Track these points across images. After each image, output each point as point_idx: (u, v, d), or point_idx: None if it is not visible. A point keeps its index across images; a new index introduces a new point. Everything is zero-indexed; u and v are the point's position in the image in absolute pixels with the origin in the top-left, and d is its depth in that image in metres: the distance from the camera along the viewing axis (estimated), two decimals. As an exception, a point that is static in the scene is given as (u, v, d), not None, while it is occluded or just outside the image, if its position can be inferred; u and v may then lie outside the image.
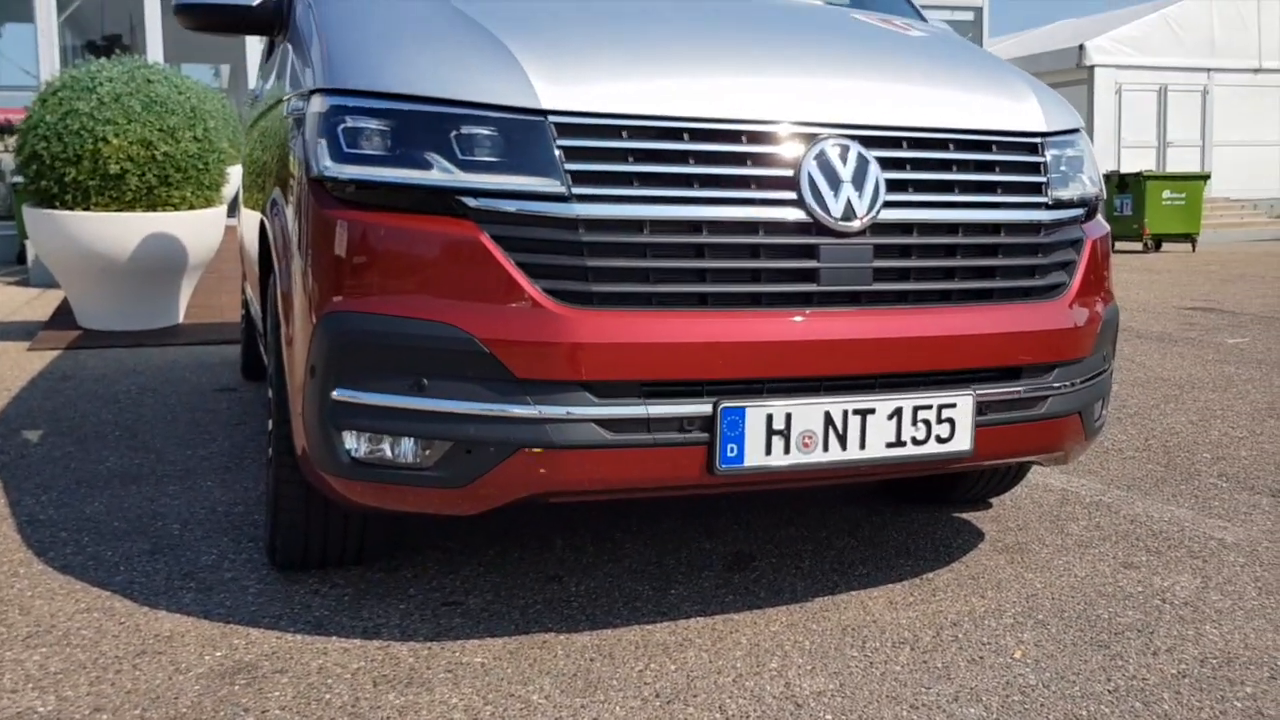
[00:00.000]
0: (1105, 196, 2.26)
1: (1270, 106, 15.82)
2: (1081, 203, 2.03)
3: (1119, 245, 12.85)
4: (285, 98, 2.16)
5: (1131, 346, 5.18)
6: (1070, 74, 15.04)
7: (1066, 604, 2.02)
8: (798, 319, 1.73)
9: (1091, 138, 14.69)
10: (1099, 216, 2.14)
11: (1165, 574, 2.18)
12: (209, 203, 5.39)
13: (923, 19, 2.74)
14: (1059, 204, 1.97)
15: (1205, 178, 12.56)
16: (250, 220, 3.03)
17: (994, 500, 2.65)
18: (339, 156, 1.70)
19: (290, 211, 1.89)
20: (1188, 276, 9.06)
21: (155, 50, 9.40)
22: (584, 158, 1.68)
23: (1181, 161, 15.26)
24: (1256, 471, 2.95)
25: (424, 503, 1.76)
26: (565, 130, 1.68)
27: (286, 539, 2.07)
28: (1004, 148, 1.93)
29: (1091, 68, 14.73)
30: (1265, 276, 8.91)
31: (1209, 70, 15.35)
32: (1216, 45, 15.33)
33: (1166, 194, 12.29)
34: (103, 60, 5.24)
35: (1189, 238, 12.47)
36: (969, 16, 13.79)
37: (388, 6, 1.99)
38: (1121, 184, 12.61)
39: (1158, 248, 12.64)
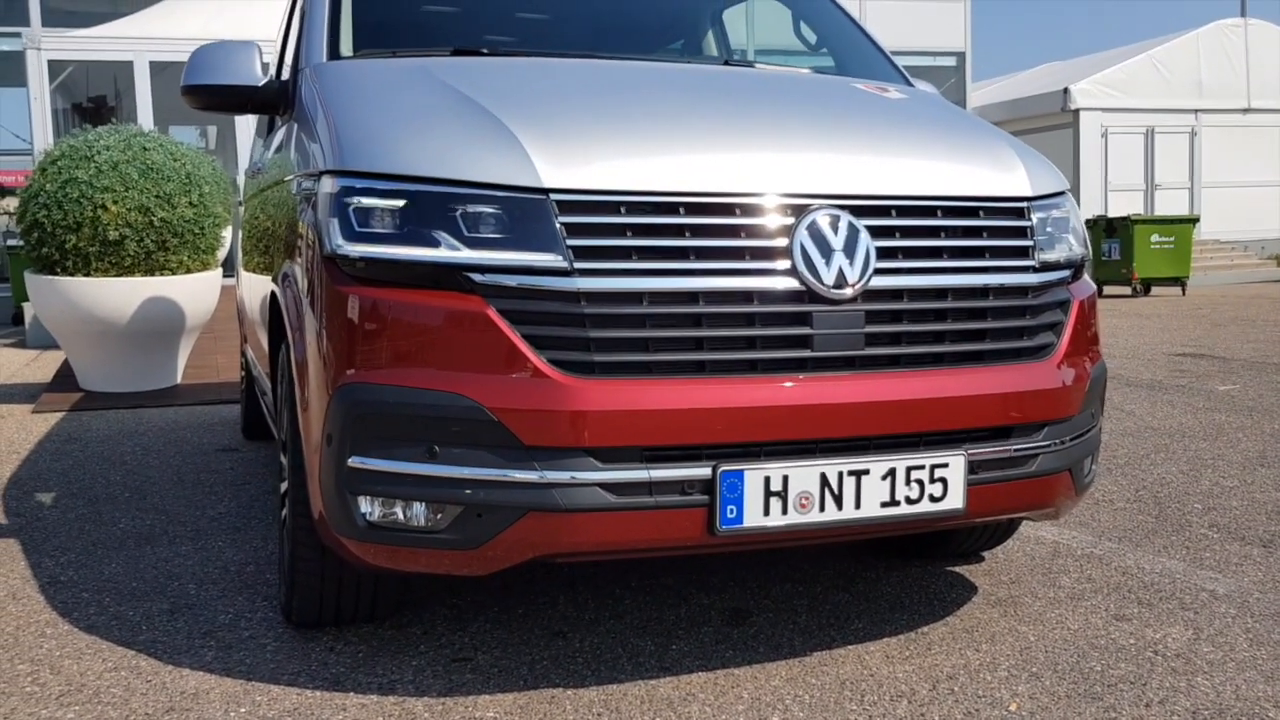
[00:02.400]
0: (1090, 255, 2.35)
1: (1259, 147, 16.06)
2: (1068, 264, 2.11)
3: (1108, 290, 13.00)
4: (292, 175, 2.25)
5: (1121, 395, 5.26)
6: (1055, 118, 15.31)
7: (1060, 656, 2.07)
8: (793, 384, 1.80)
9: (1078, 181, 14.97)
10: (1085, 276, 2.23)
11: (1157, 626, 2.23)
12: (205, 266, 5.52)
13: (909, 82, 2.84)
14: (1046, 266, 2.05)
15: (1194, 220, 12.74)
16: (253, 285, 3.11)
17: (986, 554, 2.70)
18: (350, 235, 1.79)
19: (303, 285, 1.98)
20: (1178, 321, 9.17)
21: (145, 114, 9.63)
22: (584, 233, 1.76)
23: (1170, 204, 15.47)
24: (1248, 522, 3.01)
25: (436, 564, 1.82)
26: (566, 208, 1.77)
27: (302, 598, 2.12)
28: (991, 213, 2.02)
29: (1077, 111, 15.00)
30: (1256, 320, 9.02)
31: (1196, 111, 15.60)
32: (1204, 86, 15.61)
33: (1155, 237, 12.45)
34: (100, 129, 5.39)
35: (1179, 281, 12.61)
36: (952, 62, 14.11)
37: (390, 88, 2.09)
38: (1109, 228, 12.79)
39: (1147, 292, 12.78)
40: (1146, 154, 15.54)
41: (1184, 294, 12.56)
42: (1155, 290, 12.99)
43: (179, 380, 5.79)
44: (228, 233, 5.81)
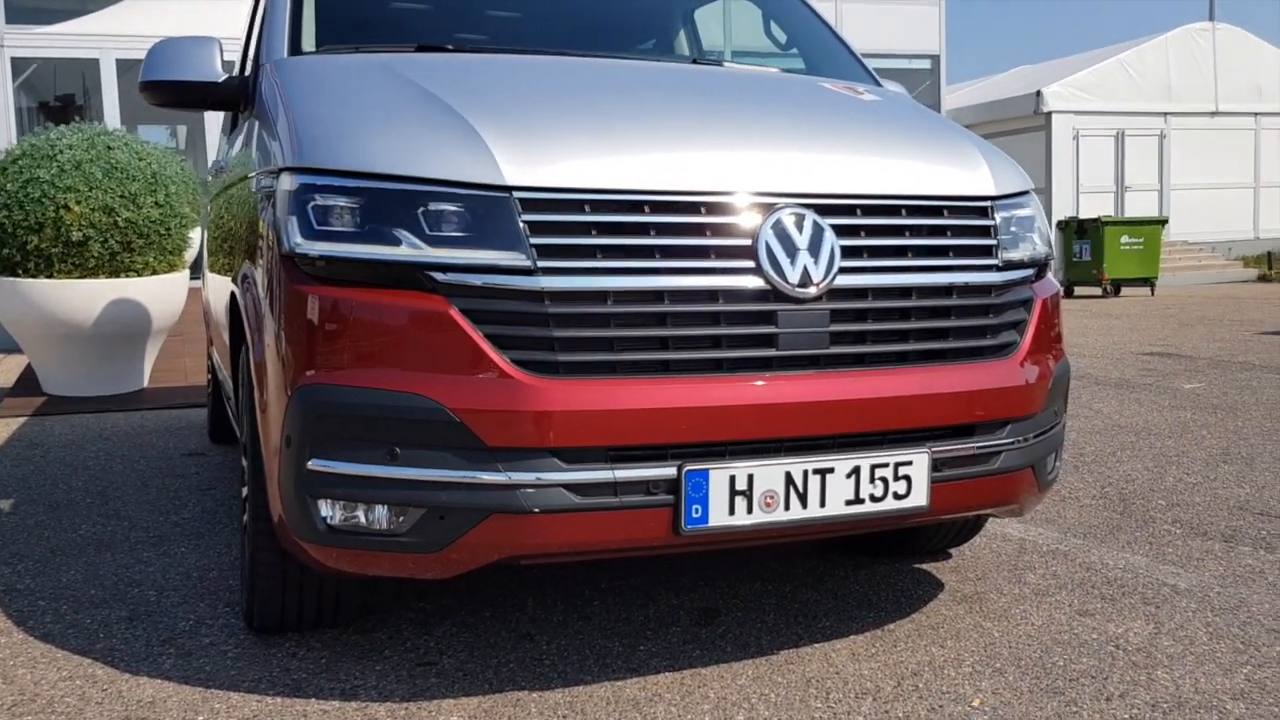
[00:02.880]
0: (1054, 255, 2.37)
1: (1227, 149, 16.33)
2: (1031, 263, 2.13)
3: (1079, 290, 13.16)
4: (253, 173, 2.22)
5: (1090, 393, 5.32)
6: (1028, 120, 15.47)
7: (1023, 652, 2.08)
8: (758, 383, 1.80)
9: (1050, 183, 15.14)
10: (1049, 275, 2.25)
11: (1119, 620, 2.25)
12: (172, 267, 5.44)
13: (877, 83, 2.85)
14: (1009, 265, 2.06)
15: (1163, 222, 12.93)
16: (217, 286, 3.07)
17: (953, 550, 2.72)
18: (309, 234, 1.76)
19: (262, 285, 1.95)
20: (1146, 321, 9.30)
21: (111, 113, 9.49)
22: (548, 232, 1.75)
23: (1140, 206, 15.68)
24: (1209, 517, 3.04)
25: (398, 567, 1.80)
26: (530, 205, 1.76)
27: (264, 603, 2.09)
28: (955, 212, 2.03)
29: (1049, 114, 15.17)
30: (1222, 320, 9.17)
31: (1166, 114, 15.82)
32: (1173, 90, 15.84)
33: (1125, 239, 12.62)
34: (62, 128, 5.30)
35: (1148, 282, 12.79)
36: (926, 65, 14.22)
37: (352, 84, 2.06)
38: (1080, 229, 12.94)
39: (1117, 292, 12.95)
40: (1117, 156, 15.74)
41: (1153, 294, 12.74)
42: (1125, 291, 13.16)
43: (145, 384, 5.70)
44: (196, 233, 5.74)
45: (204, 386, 5.27)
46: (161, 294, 5.39)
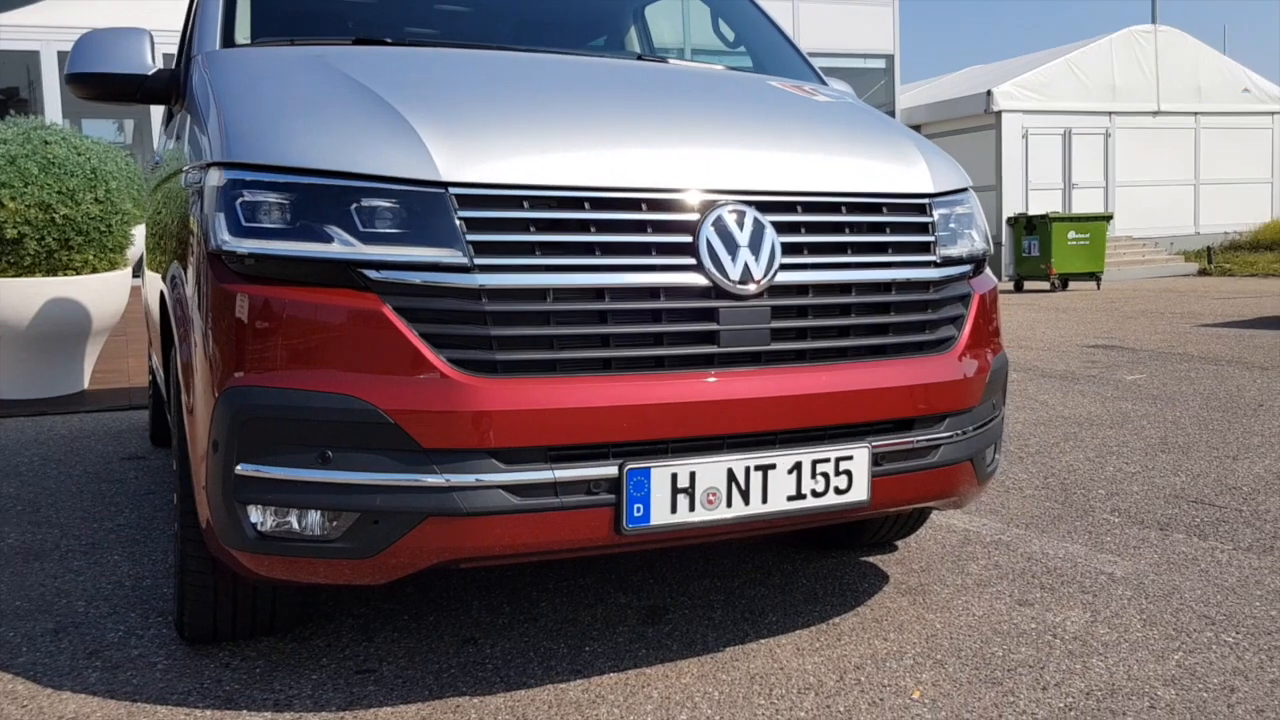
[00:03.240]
0: (992, 251, 2.39)
1: (1169, 148, 16.77)
2: (969, 259, 2.15)
3: (1028, 285, 13.42)
4: (184, 168, 2.16)
5: (1035, 385, 5.42)
6: (979, 119, 15.74)
7: (964, 643, 2.11)
8: (700, 380, 1.79)
9: (1000, 180, 15.42)
10: (987, 271, 2.27)
11: (1057, 610, 2.29)
12: (113, 265, 5.28)
13: (822, 81, 2.87)
14: (947, 261, 2.08)
15: (1108, 218, 13.23)
16: (152, 285, 2.99)
17: (899, 542, 2.75)
18: (237, 230, 1.72)
19: (190, 284, 1.89)
20: (1092, 314, 9.51)
21: (53, 107, 9.22)
22: (485, 228, 1.72)
23: (1086, 202, 16.04)
24: (1147, 506, 3.11)
25: (333, 574, 1.76)
26: (466, 202, 1.72)
27: (195, 612, 2.03)
28: (893, 209, 2.04)
29: (999, 113, 15.44)
30: (1164, 312, 9.40)
31: (1110, 114, 16.20)
32: (1117, 89, 16.21)
33: (1072, 234, 12.90)
34: None
35: (1094, 276, 13.08)
36: (881, 64, 14.39)
37: (284, 78, 2.01)
38: (1029, 225, 13.20)
39: (1065, 286, 13.23)
40: (1064, 154, 16.08)
41: (1099, 288, 13.04)
42: (1072, 285, 13.45)
43: (85, 386, 5.54)
44: (140, 231, 5.58)
45: (145, 388, 5.14)
46: (102, 293, 5.23)
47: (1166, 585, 2.43)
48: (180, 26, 4.41)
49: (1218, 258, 15.78)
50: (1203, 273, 15.11)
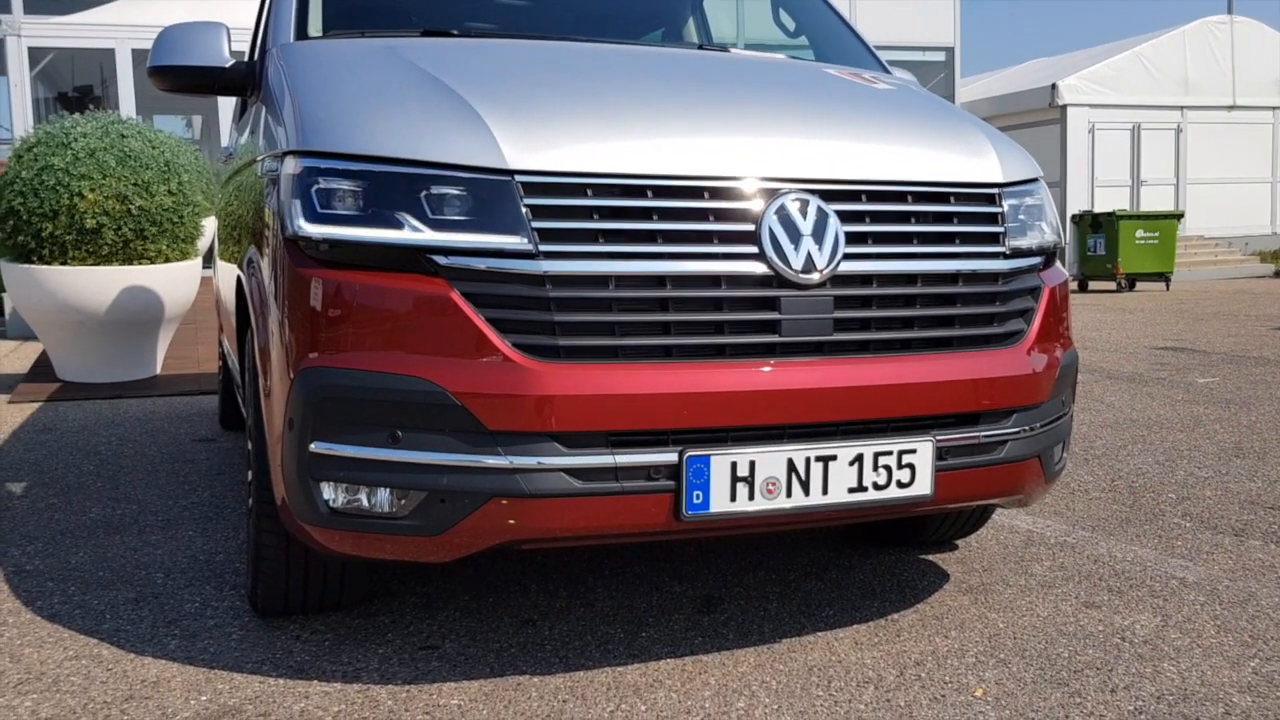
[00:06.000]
0: (1063, 244, 2.34)
1: (1244, 144, 16.16)
2: (1040, 251, 2.11)
3: (1093, 285, 13.06)
4: (259, 157, 2.23)
5: (1102, 387, 5.28)
6: (1043, 113, 15.35)
7: (1028, 643, 2.07)
8: (761, 369, 1.79)
9: (1065, 177, 15.02)
10: (1058, 264, 2.22)
11: (1126, 613, 2.23)
12: (184, 255, 5.46)
13: (886, 70, 2.83)
14: (1017, 253, 2.04)
15: (1179, 216, 12.81)
16: (226, 272, 3.09)
17: (959, 542, 2.70)
18: (313, 217, 1.77)
19: (266, 269, 1.95)
20: (1160, 316, 9.22)
21: (127, 103, 9.54)
22: (550, 215, 1.74)
23: (1155, 200, 15.55)
24: (1220, 511, 3.02)
25: (400, 550, 1.80)
26: (532, 189, 1.75)
27: (268, 586, 2.10)
28: (961, 199, 2.01)
29: (1064, 107, 15.05)
30: (1237, 315, 9.08)
31: (1182, 108, 15.67)
32: (1190, 83, 15.68)
33: (1140, 233, 12.52)
34: (76, 116, 5.33)
35: (1163, 276, 12.68)
36: (940, 57, 14.13)
37: (357, 69, 2.06)
38: (1095, 223, 12.84)
39: (1132, 287, 12.85)
40: (1133, 150, 15.61)
41: (1168, 289, 12.63)
42: (1140, 285, 13.05)
43: (158, 371, 5.74)
44: (209, 222, 5.77)
45: (215, 374, 5.30)
46: (174, 282, 5.42)
47: (1242, 592, 2.35)
48: (246, 22, 4.53)
49: (1296, 259, 15.17)
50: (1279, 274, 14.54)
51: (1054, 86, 15.06)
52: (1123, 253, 12.44)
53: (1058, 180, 15.02)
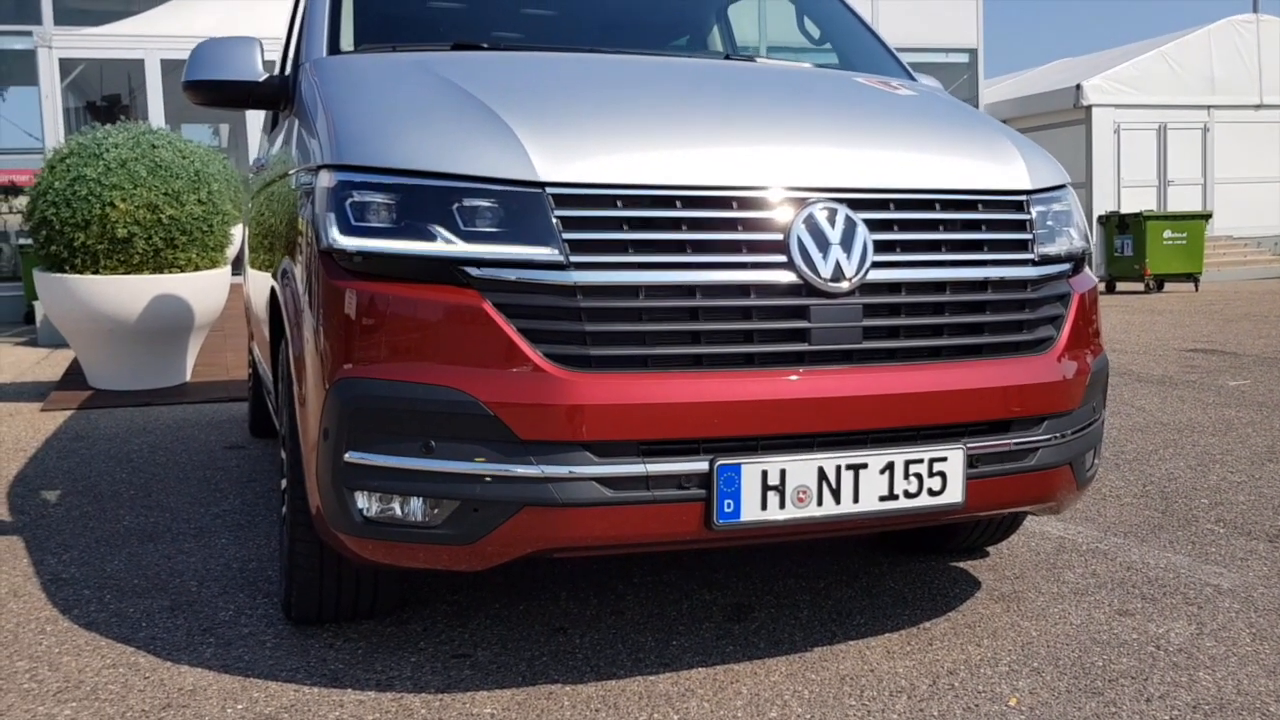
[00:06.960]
0: (1091, 249, 2.33)
1: (1272, 143, 15.93)
2: (1068, 257, 2.10)
3: (1120, 286, 12.92)
4: (293, 170, 2.26)
5: (1131, 390, 5.22)
6: (1067, 114, 15.22)
7: (1061, 651, 2.05)
8: (791, 377, 1.79)
9: (1090, 178, 14.88)
10: (1086, 270, 2.21)
11: (1160, 621, 2.21)
12: (214, 263, 5.54)
13: (911, 77, 2.83)
14: (1046, 260, 2.04)
15: (1207, 216, 12.65)
16: (257, 282, 3.13)
17: (991, 549, 2.69)
18: (347, 229, 1.79)
19: (301, 280, 1.98)
20: (1190, 317, 9.10)
21: (156, 112, 9.67)
22: (581, 227, 1.76)
23: (1183, 200, 15.35)
24: (1254, 517, 2.98)
25: (433, 559, 1.82)
26: (562, 201, 1.77)
27: (301, 594, 2.13)
28: (990, 206, 2.01)
29: (1089, 107, 14.90)
30: (1268, 316, 8.94)
31: (1209, 107, 15.48)
32: (1216, 82, 15.49)
33: (1167, 234, 12.37)
34: (108, 127, 5.41)
35: (1191, 277, 12.52)
36: (964, 59, 14.04)
37: (388, 83, 2.09)
38: (1121, 224, 12.71)
39: (1160, 288, 12.69)
40: (1159, 150, 15.43)
41: (1197, 290, 12.46)
42: (1168, 286, 12.89)
43: (188, 378, 5.82)
44: (238, 230, 5.84)
45: (245, 381, 5.37)
46: (204, 290, 5.49)
47: (1277, 599, 2.32)
48: (275, 34, 4.59)
49: (1328, 259, 14.92)
50: (1311, 275, 14.31)
51: (1078, 87, 14.92)
52: (1150, 253, 12.30)
53: (1083, 181, 14.88)
